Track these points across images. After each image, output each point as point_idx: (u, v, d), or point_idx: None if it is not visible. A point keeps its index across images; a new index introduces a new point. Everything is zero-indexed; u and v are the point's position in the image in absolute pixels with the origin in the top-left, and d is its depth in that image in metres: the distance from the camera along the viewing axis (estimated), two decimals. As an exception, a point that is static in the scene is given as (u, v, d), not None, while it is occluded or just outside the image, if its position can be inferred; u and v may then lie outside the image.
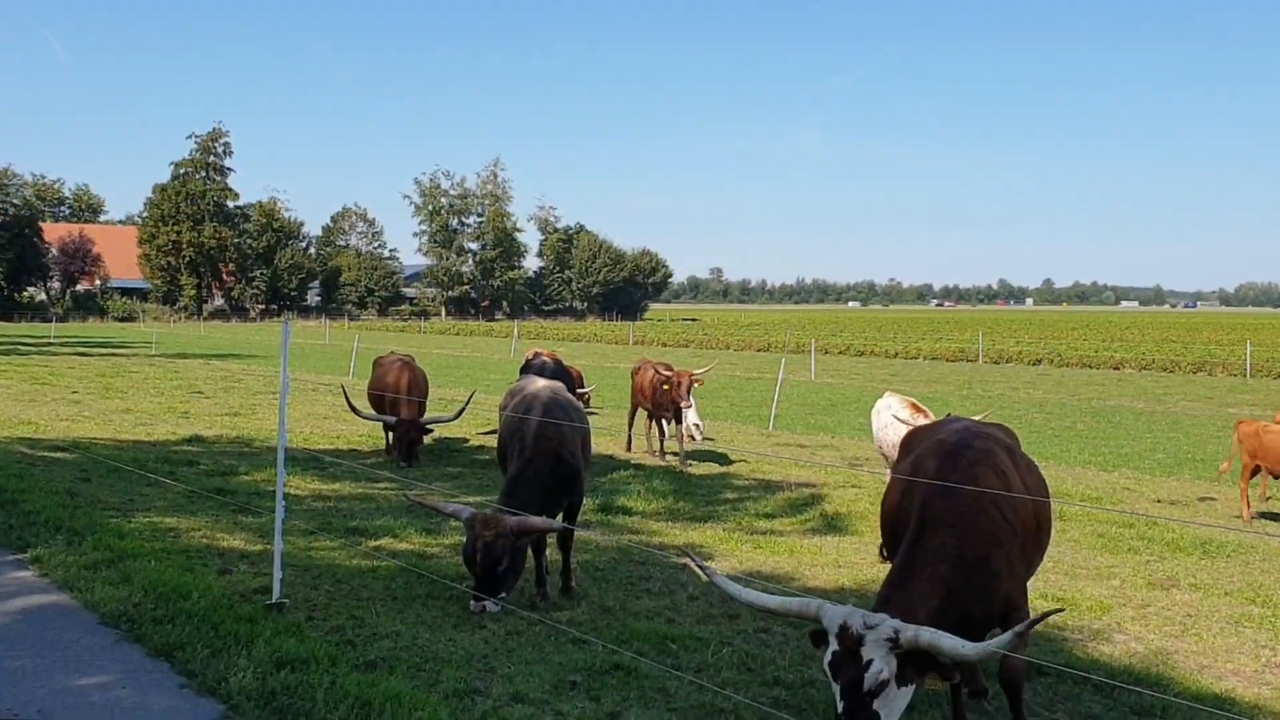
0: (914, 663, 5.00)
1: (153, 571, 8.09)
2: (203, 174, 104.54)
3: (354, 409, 15.42)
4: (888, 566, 9.20)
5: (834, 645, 5.05)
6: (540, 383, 9.38)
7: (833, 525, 11.40)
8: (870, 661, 4.97)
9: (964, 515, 5.40)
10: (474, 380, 30.87)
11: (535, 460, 8.32)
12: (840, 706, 4.97)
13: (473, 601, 7.75)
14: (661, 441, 16.42)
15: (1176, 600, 8.70)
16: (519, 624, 7.60)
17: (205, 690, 6.00)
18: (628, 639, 7.20)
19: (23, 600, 7.61)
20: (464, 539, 7.88)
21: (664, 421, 16.30)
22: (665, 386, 15.61)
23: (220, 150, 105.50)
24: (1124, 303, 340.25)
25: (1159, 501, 13.34)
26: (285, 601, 7.62)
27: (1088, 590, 8.88)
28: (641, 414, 17.18)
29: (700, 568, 5.75)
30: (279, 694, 5.85)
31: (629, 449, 16.95)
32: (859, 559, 9.93)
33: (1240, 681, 6.85)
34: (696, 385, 15.96)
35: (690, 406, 16.00)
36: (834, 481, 14.09)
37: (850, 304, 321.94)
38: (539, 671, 6.55)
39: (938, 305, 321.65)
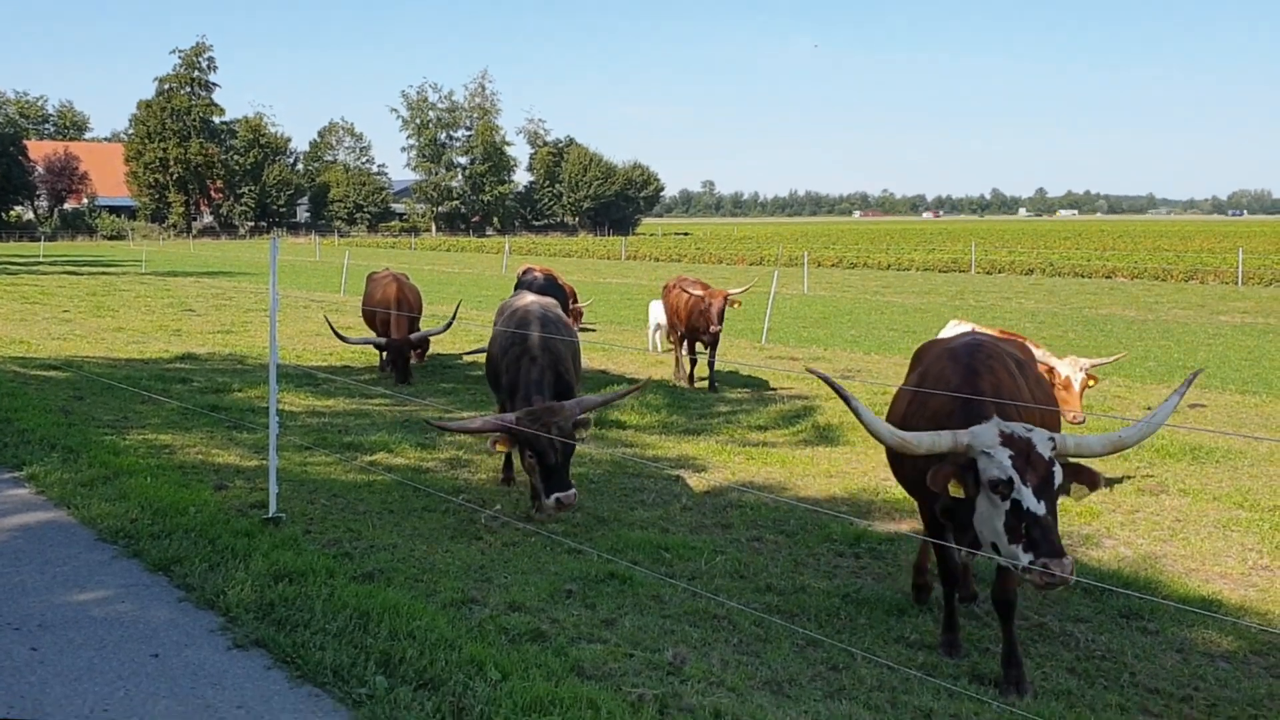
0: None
1: (149, 488, 8.12)
2: (187, 89, 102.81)
3: (341, 337, 15.29)
4: (880, 477, 9.30)
5: (1007, 451, 4.81)
6: (530, 297, 9.41)
7: (825, 436, 11.46)
8: (1052, 459, 4.80)
9: (990, 407, 5.31)
10: (467, 297, 30.78)
11: (545, 373, 8.38)
12: (1040, 509, 4.71)
13: (556, 498, 7.49)
14: (692, 368, 14.86)
15: (1165, 505, 8.80)
16: (515, 535, 7.67)
17: (204, 603, 6.05)
18: (622, 549, 7.28)
19: (20, 517, 7.65)
20: (525, 437, 7.61)
21: (698, 346, 14.67)
22: (700, 308, 14.18)
23: (204, 65, 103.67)
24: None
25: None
26: (282, 516, 7.67)
27: (1078, 497, 8.95)
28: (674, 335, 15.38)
29: (831, 385, 5.36)
30: (277, 605, 5.89)
31: (677, 376, 15.23)
32: (850, 469, 10.00)
33: (1227, 584, 6.95)
34: (735, 307, 14.60)
35: (719, 330, 14.18)
36: (826, 393, 14.11)
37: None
38: (535, 581, 6.62)
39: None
